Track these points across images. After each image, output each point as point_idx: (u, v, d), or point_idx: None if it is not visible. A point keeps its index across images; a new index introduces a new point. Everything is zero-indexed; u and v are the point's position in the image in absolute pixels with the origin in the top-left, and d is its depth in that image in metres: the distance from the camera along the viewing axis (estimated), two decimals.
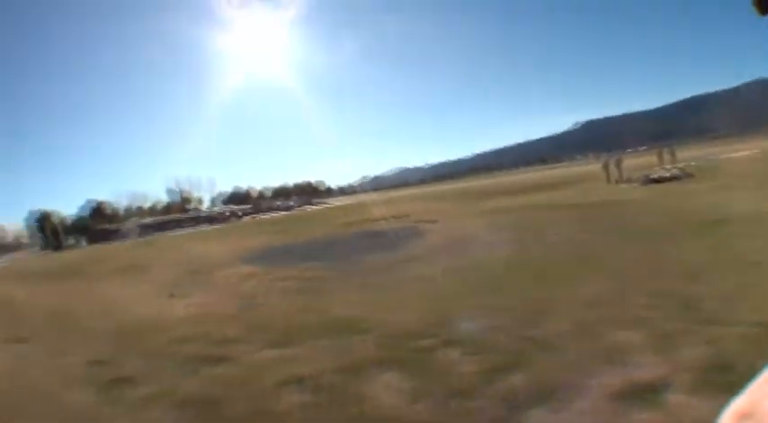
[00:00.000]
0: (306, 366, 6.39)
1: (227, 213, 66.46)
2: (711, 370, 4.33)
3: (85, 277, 20.90)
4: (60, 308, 14.35)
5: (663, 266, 8.57)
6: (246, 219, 55.60)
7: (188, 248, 25.78)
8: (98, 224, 62.23)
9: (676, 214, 14.08)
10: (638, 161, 40.36)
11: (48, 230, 55.90)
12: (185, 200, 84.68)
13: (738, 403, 0.70)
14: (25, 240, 70.38)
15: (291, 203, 66.19)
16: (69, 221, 64.54)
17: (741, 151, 41.61)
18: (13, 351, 10.32)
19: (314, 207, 57.51)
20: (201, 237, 33.02)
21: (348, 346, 6.88)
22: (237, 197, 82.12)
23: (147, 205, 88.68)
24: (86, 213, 71.48)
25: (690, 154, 47.87)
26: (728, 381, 3.83)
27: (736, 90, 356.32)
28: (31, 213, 61.39)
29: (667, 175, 25.26)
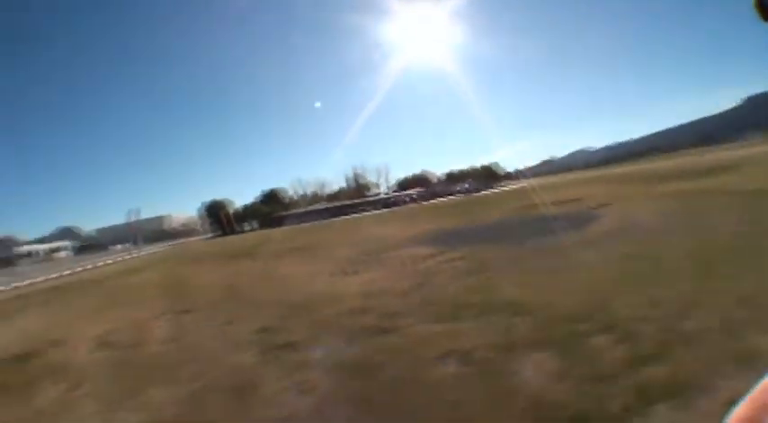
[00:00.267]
0: (465, 342, 7.02)
1: (402, 198, 68.96)
2: None
3: (257, 257, 23.31)
4: (231, 284, 16.42)
5: None
6: (420, 203, 57.23)
7: (362, 231, 27.51)
8: (272, 210, 68.11)
9: None
10: None
11: (221, 217, 62.51)
12: (361, 186, 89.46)
13: (740, 410, 0.74)
14: (197, 228, 79.32)
15: (466, 187, 66.56)
16: (244, 209, 71.29)
17: None
18: (185, 320, 12.18)
19: (488, 191, 57.31)
20: (376, 220, 35.02)
21: (508, 326, 7.39)
22: (412, 182, 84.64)
23: (323, 192, 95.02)
24: (262, 201, 77.96)
25: None
26: None
27: None
28: (204, 203, 69.14)
29: None
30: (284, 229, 44.75)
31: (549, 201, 24.33)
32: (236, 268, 20.67)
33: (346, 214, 51.54)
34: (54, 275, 33.29)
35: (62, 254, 70.71)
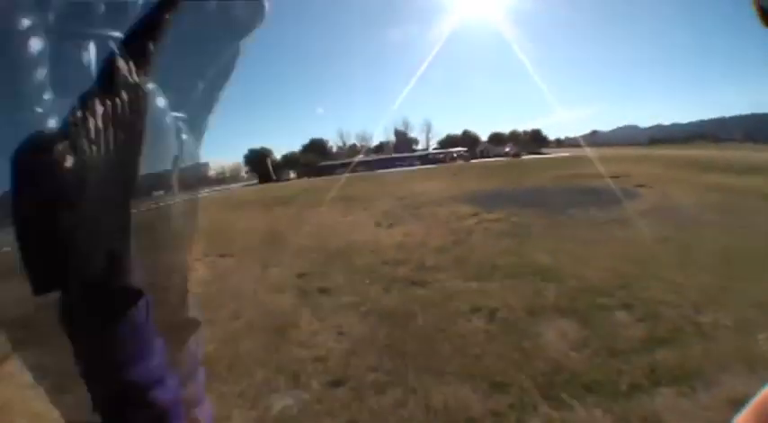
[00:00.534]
0: (494, 300, 7.44)
1: (445, 156, 68.58)
2: None
3: (298, 206, 23.75)
4: (271, 230, 16.94)
5: None
6: (463, 162, 56.84)
7: (403, 185, 27.66)
8: (314, 160, 68.63)
9: None
10: None
11: (264, 165, 63.11)
12: (403, 141, 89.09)
13: (744, 416, 0.75)
14: (238, 175, 79.97)
15: (507, 150, 65.67)
16: (285, 158, 71.70)
17: None
18: (225, 263, 12.76)
19: (530, 156, 56.47)
20: (416, 175, 35.02)
21: (536, 290, 7.75)
22: (454, 140, 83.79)
23: (366, 145, 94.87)
24: (305, 151, 78.35)
25: None
26: None
27: None
28: (250, 151, 69.44)
29: None
30: (325, 178, 45.08)
31: (591, 173, 23.95)
32: (276, 215, 21.17)
33: (388, 168, 51.50)
34: None
35: None
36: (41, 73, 0.51)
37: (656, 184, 19.69)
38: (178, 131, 0.68)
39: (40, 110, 0.51)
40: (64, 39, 0.53)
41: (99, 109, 0.46)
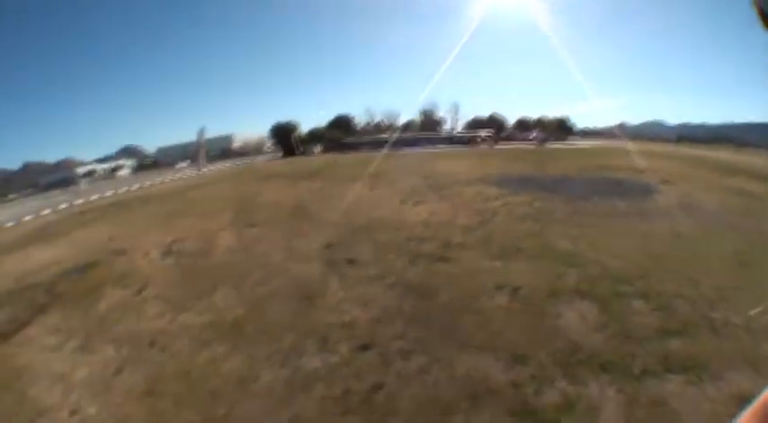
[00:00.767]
0: (517, 280, 7.75)
1: (472, 137, 68.10)
2: None
3: (324, 180, 23.87)
4: (298, 202, 17.19)
5: None
6: (490, 145, 56.46)
7: (430, 164, 27.58)
8: (339, 136, 68.65)
9: None
10: None
11: (289, 139, 63.13)
12: (431, 120, 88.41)
13: (746, 416, 0.79)
14: (263, 148, 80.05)
15: (534, 136, 64.95)
16: (310, 133, 71.59)
17: None
18: (252, 233, 13.09)
19: (556, 144, 55.80)
20: (444, 155, 34.81)
21: (558, 273, 8.03)
22: (480, 123, 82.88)
23: (392, 122, 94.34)
24: (331, 127, 78.16)
25: None
26: None
27: None
28: (276, 125, 69.31)
29: None
30: (351, 154, 45.10)
31: (616, 165, 23.77)
32: (302, 188, 21.37)
33: (415, 146, 51.29)
34: (116, 192, 33.96)
35: (124, 172, 72.07)
36: None
37: (679, 182, 19.52)
38: None
39: None
40: None
41: None
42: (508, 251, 9.29)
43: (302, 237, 11.74)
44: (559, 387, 4.81)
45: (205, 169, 45.67)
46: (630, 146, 38.16)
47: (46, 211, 27.12)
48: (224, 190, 24.12)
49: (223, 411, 5.06)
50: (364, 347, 5.93)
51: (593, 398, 4.60)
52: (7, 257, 14.52)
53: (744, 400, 0.83)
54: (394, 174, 22.98)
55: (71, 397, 5.89)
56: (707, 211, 13.43)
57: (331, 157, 44.67)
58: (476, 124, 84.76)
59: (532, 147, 49.67)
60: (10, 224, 24.33)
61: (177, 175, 42.85)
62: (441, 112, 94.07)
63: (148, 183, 37.41)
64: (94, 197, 31.60)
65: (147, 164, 76.51)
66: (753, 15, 0.91)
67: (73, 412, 5.55)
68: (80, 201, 30.22)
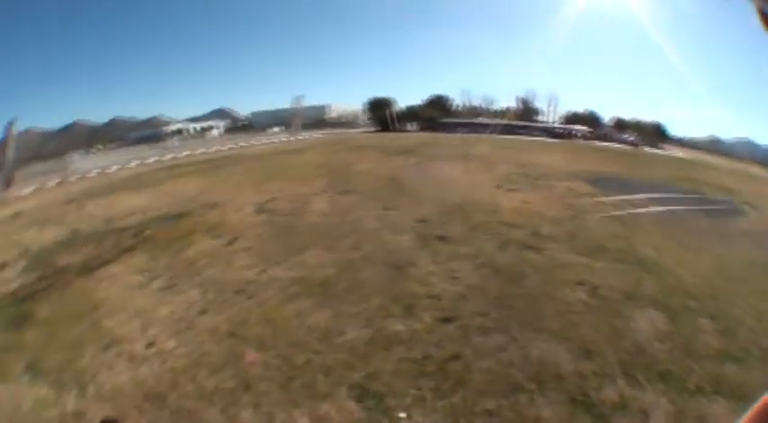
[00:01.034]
0: (597, 278, 7.94)
1: (568, 131, 66.28)
2: None
3: (420, 157, 24.02)
4: (393, 176, 17.51)
5: None
6: (582, 141, 54.81)
7: (525, 153, 27.15)
8: (435, 115, 68.43)
9: None
10: None
11: (385, 114, 63.47)
12: (528, 109, 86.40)
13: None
14: (358, 121, 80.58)
15: (632, 139, 62.26)
16: (406, 110, 71.56)
17: None
18: (346, 200, 13.64)
19: (650, 149, 53.27)
20: (539, 146, 34.17)
21: (637, 278, 8.10)
22: (577, 118, 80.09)
23: (488, 107, 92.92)
24: (426, 105, 77.92)
25: None
26: None
27: None
28: (372, 99, 69.73)
29: None
30: (447, 135, 44.95)
31: (706, 180, 22.59)
32: (398, 163, 21.60)
33: (510, 134, 50.47)
34: (207, 150, 34.37)
35: (214, 132, 73.74)
36: None
37: (764, 207, 18.41)
38: None
39: None
40: None
41: None
42: (593, 249, 9.37)
43: (396, 209, 12.14)
44: (619, 385, 5.03)
45: (300, 136, 46.54)
46: (724, 163, 36.34)
47: (134, 164, 28.09)
48: (319, 157, 24.63)
49: (303, 359, 5.54)
50: (447, 320, 6.29)
51: (647, 402, 4.80)
52: (95, 202, 15.69)
53: None
54: (489, 158, 22.86)
55: (150, 331, 6.52)
56: None
57: (427, 135, 44.77)
58: (572, 119, 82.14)
59: (628, 149, 47.74)
60: (95, 172, 25.80)
61: (271, 140, 43.58)
62: (538, 103, 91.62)
63: (242, 143, 38.41)
64: (185, 154, 32.35)
65: (240, 126, 78.24)
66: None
67: (149, 344, 6.16)
68: (170, 155, 31.21)
